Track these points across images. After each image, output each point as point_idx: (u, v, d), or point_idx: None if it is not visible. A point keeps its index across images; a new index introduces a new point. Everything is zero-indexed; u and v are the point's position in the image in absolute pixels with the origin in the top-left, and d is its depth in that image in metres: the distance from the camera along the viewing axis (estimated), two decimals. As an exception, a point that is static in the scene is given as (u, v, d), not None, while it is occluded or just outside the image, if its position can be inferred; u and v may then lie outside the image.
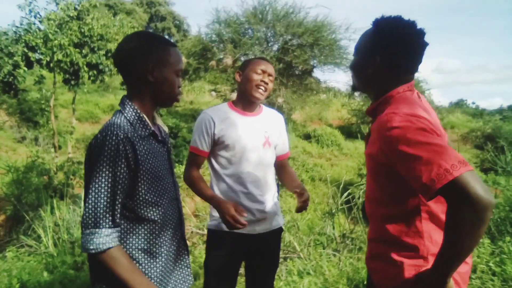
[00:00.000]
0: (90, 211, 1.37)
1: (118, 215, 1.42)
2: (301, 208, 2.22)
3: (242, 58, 14.28)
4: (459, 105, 32.89)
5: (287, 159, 2.59)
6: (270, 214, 2.37)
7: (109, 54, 8.77)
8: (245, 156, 2.29)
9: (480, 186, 1.19)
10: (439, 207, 1.48)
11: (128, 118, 1.51)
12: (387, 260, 1.54)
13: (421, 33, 1.52)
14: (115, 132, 1.39)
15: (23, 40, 7.77)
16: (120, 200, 1.42)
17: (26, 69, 7.85)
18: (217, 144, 2.31)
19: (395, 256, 1.50)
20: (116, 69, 8.96)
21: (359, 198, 5.13)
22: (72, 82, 8.57)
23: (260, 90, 2.31)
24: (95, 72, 8.62)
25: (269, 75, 2.34)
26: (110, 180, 1.38)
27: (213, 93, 17.82)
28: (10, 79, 7.75)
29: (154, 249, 1.52)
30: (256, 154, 2.32)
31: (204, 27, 20.12)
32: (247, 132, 2.32)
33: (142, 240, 1.50)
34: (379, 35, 1.55)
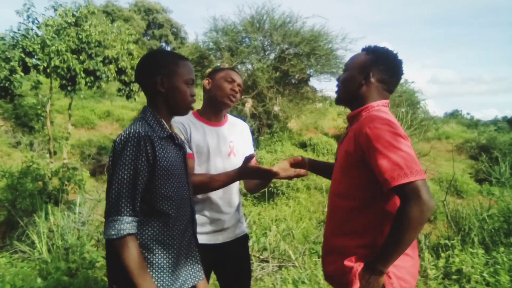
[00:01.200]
0: (113, 200, 1.51)
1: (138, 205, 1.55)
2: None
3: (239, 66, 14.33)
4: (454, 115, 33.15)
5: None
6: (233, 223, 2.37)
7: (107, 61, 8.79)
8: (210, 165, 2.28)
9: (427, 192, 1.49)
10: (395, 203, 1.66)
11: (148, 122, 1.69)
12: (343, 252, 1.68)
13: (402, 63, 1.84)
14: (137, 131, 1.57)
15: (20, 46, 7.78)
16: (140, 190, 1.56)
17: (22, 74, 7.84)
18: None
19: (352, 248, 1.67)
20: (112, 76, 9.01)
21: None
22: (69, 88, 8.57)
23: (231, 97, 2.33)
24: (92, 78, 8.63)
25: (239, 85, 2.36)
26: (132, 172, 1.53)
27: (210, 100, 17.82)
28: (7, 84, 7.73)
29: (168, 240, 1.64)
30: (221, 164, 2.31)
31: (201, 35, 20.30)
32: (213, 142, 2.30)
33: (157, 231, 1.62)
34: (374, 54, 1.81)
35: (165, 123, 1.73)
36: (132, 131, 1.57)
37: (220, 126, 2.39)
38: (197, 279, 1.75)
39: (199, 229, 2.20)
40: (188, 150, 2.23)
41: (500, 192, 4.97)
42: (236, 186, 2.42)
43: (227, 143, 2.36)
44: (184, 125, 2.28)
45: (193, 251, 1.77)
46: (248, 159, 2.03)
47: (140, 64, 1.76)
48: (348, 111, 1.91)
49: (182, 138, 1.84)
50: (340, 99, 1.93)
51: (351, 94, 1.83)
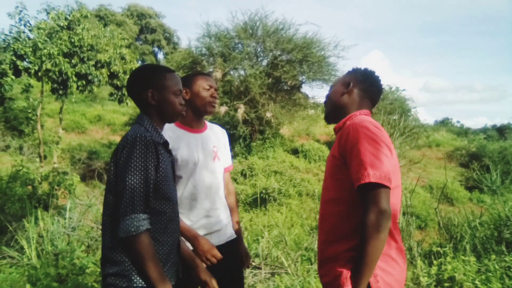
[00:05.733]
0: (128, 200, 1.60)
1: (151, 201, 1.67)
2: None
3: (232, 72, 14.34)
4: (444, 123, 33.43)
5: (229, 173, 2.65)
6: (224, 225, 2.41)
7: (99, 65, 8.74)
8: (197, 172, 2.31)
9: (386, 201, 1.56)
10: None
11: (147, 128, 1.81)
12: (336, 259, 1.71)
13: (380, 78, 2.03)
14: (143, 135, 1.69)
15: (11, 48, 7.71)
16: (151, 188, 1.67)
17: (13, 77, 7.77)
18: None
19: (342, 253, 1.69)
20: (104, 80, 8.96)
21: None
22: (60, 92, 8.51)
23: (212, 104, 2.41)
24: (84, 82, 8.59)
25: (215, 89, 2.45)
26: (143, 173, 1.64)
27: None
28: (-3, 87, 7.66)
29: (162, 237, 1.75)
30: (208, 169, 2.36)
31: (194, 40, 20.26)
32: (198, 148, 2.35)
33: (154, 228, 1.71)
34: (353, 71, 2.04)
35: (160, 130, 1.87)
36: (138, 134, 1.67)
37: (202, 132, 2.44)
38: (175, 277, 1.83)
39: None
40: None
41: (491, 200, 5.01)
42: (222, 187, 2.48)
43: (211, 148, 2.42)
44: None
45: (177, 251, 1.87)
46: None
47: (130, 80, 1.88)
48: None
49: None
50: (328, 115, 2.07)
51: (335, 105, 1.99)
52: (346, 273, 1.63)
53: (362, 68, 2.04)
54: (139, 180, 1.62)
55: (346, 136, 1.71)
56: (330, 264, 1.74)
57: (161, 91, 1.84)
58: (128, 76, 1.83)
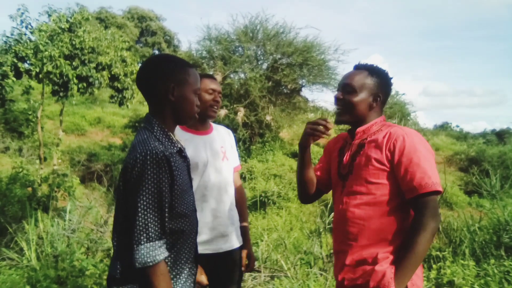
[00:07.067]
0: (142, 228, 1.46)
1: (166, 226, 1.52)
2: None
3: (232, 75, 14.36)
4: (443, 127, 33.44)
5: (238, 173, 2.63)
6: (234, 228, 2.40)
7: (100, 67, 8.76)
8: (207, 173, 2.32)
9: (439, 207, 1.68)
10: None
11: (157, 136, 1.61)
12: (377, 260, 1.72)
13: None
14: (154, 151, 1.49)
15: (13, 50, 7.73)
16: (167, 211, 1.52)
17: (14, 79, 7.78)
18: None
19: (387, 255, 1.71)
20: (105, 82, 8.99)
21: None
22: (61, 94, 8.53)
23: (214, 109, 2.38)
24: (84, 84, 8.61)
25: (219, 92, 2.40)
26: (156, 195, 1.47)
27: (202, 109, 17.84)
28: (-2, 89, 7.68)
29: (175, 255, 1.61)
30: (216, 169, 2.36)
31: (194, 43, 20.33)
32: (206, 150, 2.35)
33: (168, 248, 1.56)
34: (379, 77, 1.91)
35: (172, 136, 1.67)
36: (148, 152, 1.48)
37: (209, 133, 2.44)
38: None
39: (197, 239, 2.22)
40: None
41: (490, 205, 5.02)
42: (232, 188, 2.47)
43: (219, 149, 2.42)
44: None
45: (194, 262, 1.75)
46: None
47: (147, 70, 1.67)
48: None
49: (183, 146, 1.79)
50: (347, 120, 1.95)
51: (360, 114, 1.90)
52: (390, 273, 1.66)
53: (384, 73, 1.94)
54: (152, 205, 1.46)
55: (401, 143, 1.71)
56: (367, 266, 1.74)
57: (182, 87, 1.64)
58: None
